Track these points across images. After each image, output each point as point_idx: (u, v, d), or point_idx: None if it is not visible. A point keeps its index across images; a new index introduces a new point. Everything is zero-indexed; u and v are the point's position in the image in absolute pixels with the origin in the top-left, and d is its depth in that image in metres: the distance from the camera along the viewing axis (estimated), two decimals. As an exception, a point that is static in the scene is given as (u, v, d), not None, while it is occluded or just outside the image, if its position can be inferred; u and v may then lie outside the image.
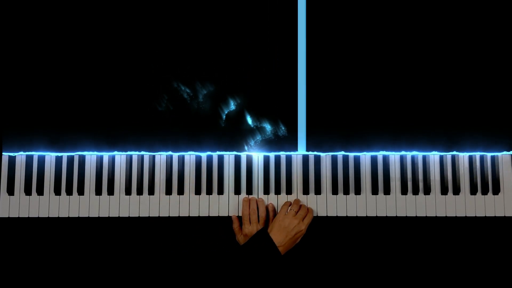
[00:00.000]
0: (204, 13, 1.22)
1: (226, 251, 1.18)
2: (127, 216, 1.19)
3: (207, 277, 1.09)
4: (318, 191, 1.20)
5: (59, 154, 1.20)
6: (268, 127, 1.20)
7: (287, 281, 1.18)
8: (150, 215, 1.19)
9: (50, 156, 1.20)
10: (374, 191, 1.20)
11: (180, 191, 1.20)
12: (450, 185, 1.20)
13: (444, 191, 1.20)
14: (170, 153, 1.20)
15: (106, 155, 1.20)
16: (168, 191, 1.20)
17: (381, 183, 1.21)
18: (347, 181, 1.21)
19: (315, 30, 1.22)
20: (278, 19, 1.22)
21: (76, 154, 1.20)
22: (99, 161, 1.20)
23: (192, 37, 1.22)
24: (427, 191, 1.20)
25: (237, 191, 1.20)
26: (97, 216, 1.19)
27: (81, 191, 1.19)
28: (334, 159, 1.21)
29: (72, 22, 1.22)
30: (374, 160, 1.21)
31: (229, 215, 1.20)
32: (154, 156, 1.21)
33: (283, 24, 1.22)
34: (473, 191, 1.20)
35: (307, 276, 1.21)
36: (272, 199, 1.20)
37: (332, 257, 1.22)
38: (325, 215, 1.19)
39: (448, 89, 1.21)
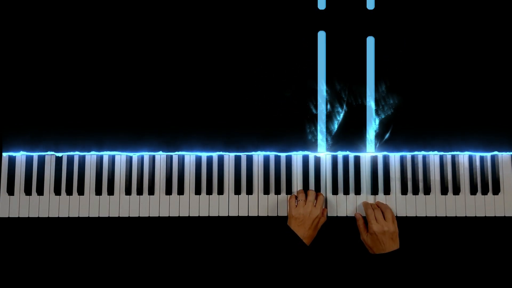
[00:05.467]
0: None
1: (256, 250, 1.20)
2: (127, 216, 1.19)
3: (235, 276, 1.11)
4: (318, 191, 1.20)
5: (59, 154, 1.20)
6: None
7: (317, 272, 1.16)
8: (150, 215, 1.19)
9: (50, 156, 1.20)
10: (374, 191, 1.20)
11: (180, 191, 1.20)
12: (450, 185, 1.20)
13: (444, 191, 1.20)
14: (170, 153, 1.20)
15: (106, 155, 1.20)
16: (168, 191, 1.20)
17: (381, 183, 1.21)
18: (347, 181, 1.21)
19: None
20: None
21: (76, 154, 1.20)
22: (99, 161, 1.20)
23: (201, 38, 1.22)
24: (427, 191, 1.20)
25: (237, 191, 1.20)
26: (97, 216, 1.19)
27: (81, 191, 1.19)
28: (334, 159, 1.21)
29: (73, 22, 1.22)
30: (374, 160, 1.21)
31: (229, 215, 1.20)
32: (154, 156, 1.21)
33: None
34: (473, 191, 1.20)
35: (334, 266, 1.20)
36: (272, 199, 1.20)
37: (333, 257, 1.22)
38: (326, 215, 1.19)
39: (449, 89, 1.21)
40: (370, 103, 1.21)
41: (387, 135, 1.21)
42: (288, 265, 1.08)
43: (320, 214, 1.13)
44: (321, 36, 1.17)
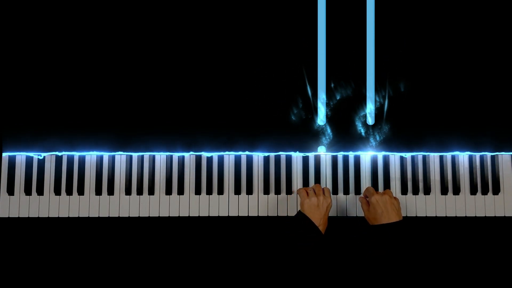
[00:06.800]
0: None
1: (272, 237, 1.19)
2: (127, 216, 1.19)
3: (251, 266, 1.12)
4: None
5: (59, 154, 1.20)
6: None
7: (332, 261, 1.15)
8: (150, 215, 1.19)
9: (50, 156, 1.20)
10: (374, 191, 1.20)
11: (180, 191, 1.20)
12: (450, 185, 1.20)
13: (444, 191, 1.20)
14: (170, 153, 1.20)
15: (106, 155, 1.20)
16: (168, 191, 1.20)
17: (381, 183, 1.21)
18: (347, 181, 1.21)
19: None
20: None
21: (76, 154, 1.20)
22: (99, 161, 1.20)
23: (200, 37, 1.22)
24: (427, 191, 1.20)
25: (237, 191, 1.20)
26: (97, 216, 1.19)
27: (81, 191, 1.19)
28: (334, 159, 1.21)
29: (74, 23, 1.22)
30: (374, 160, 1.21)
31: (229, 215, 1.20)
32: (154, 156, 1.21)
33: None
34: (473, 191, 1.20)
35: (347, 256, 1.19)
36: (272, 199, 1.20)
37: (334, 257, 1.22)
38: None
39: (449, 89, 1.21)
40: (371, 103, 1.21)
41: (387, 135, 1.21)
42: (305, 254, 1.06)
43: (331, 202, 1.13)
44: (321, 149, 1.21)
